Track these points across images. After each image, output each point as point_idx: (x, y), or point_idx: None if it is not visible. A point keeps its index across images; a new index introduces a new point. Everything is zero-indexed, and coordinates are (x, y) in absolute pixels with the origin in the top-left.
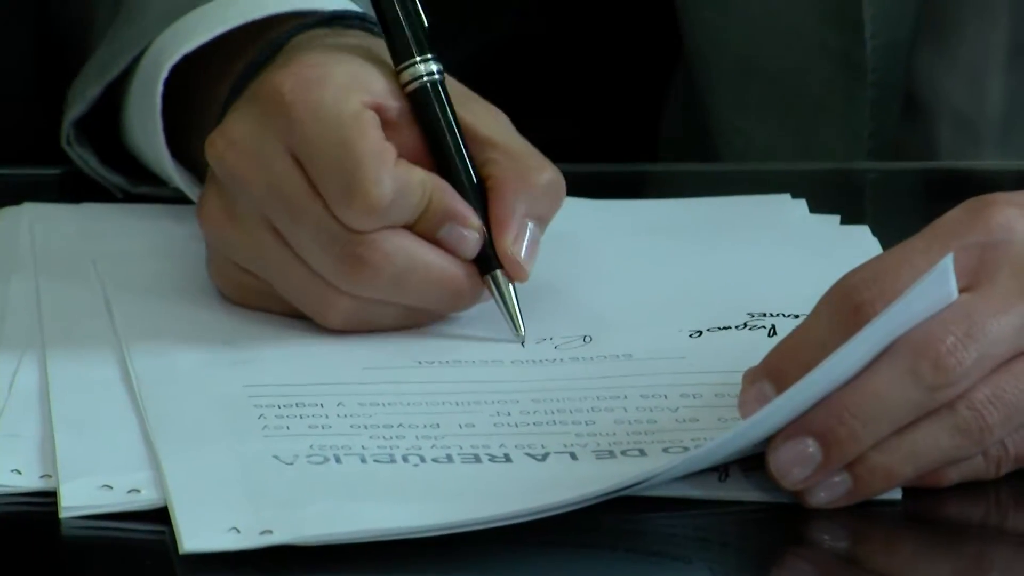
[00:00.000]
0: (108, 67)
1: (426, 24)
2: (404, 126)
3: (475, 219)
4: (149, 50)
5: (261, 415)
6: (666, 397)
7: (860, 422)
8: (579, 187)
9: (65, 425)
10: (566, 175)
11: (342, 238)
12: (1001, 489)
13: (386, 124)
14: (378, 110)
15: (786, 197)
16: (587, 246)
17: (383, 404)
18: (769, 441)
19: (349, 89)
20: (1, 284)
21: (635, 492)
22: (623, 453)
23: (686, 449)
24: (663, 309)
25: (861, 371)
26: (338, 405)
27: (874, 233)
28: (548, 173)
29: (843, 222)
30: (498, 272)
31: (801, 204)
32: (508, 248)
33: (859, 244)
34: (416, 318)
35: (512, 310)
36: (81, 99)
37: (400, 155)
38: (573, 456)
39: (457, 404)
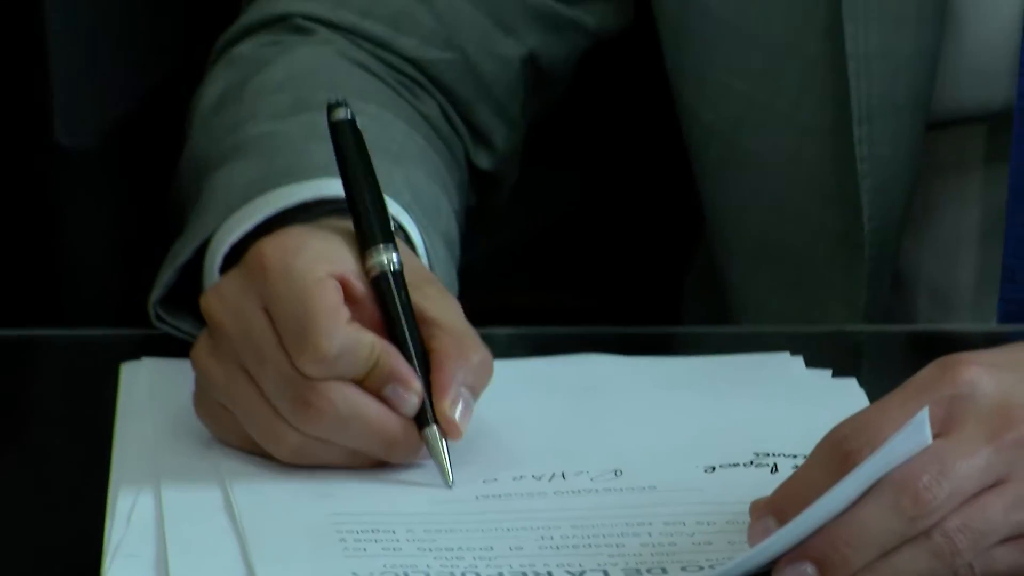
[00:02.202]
0: (179, 254)
1: (391, 216)
2: (367, 302)
3: (416, 383)
4: (215, 237)
5: (343, 539)
6: (685, 524)
7: (852, 549)
8: (612, 346)
9: (177, 547)
10: (602, 336)
11: (296, 382)
12: None
13: (353, 299)
14: (344, 283)
15: (786, 355)
16: (618, 395)
17: (445, 530)
18: (774, 564)
19: (319, 260)
20: (123, 429)
21: None
22: (648, 571)
23: (701, 568)
24: (682, 448)
25: (851, 505)
26: (408, 531)
27: (861, 385)
28: (481, 352)
29: (834, 376)
30: (433, 427)
31: (799, 361)
32: (446, 410)
33: (848, 395)
34: (357, 459)
35: (442, 462)
36: (160, 283)
37: (361, 324)
38: (606, 573)
39: (508, 530)
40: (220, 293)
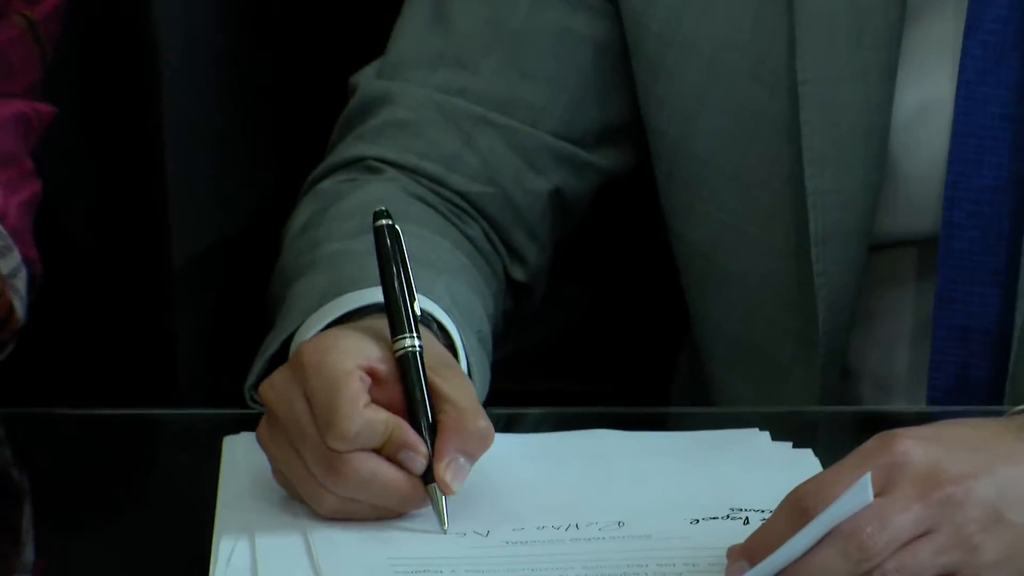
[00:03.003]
0: (268, 348)
1: (417, 311)
2: (392, 382)
3: (423, 448)
4: (296, 333)
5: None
6: (674, 565)
7: None
8: (617, 423)
9: None
10: (609, 415)
11: (328, 455)
12: None
13: (379, 380)
14: (371, 370)
15: (755, 430)
16: (621, 462)
17: (483, 571)
18: None
19: (347, 355)
20: (225, 490)
21: None
22: None
23: None
24: (672, 504)
25: (808, 551)
26: (452, 571)
27: (816, 454)
28: (481, 423)
29: (794, 447)
30: (434, 485)
31: (765, 435)
32: (441, 472)
33: (805, 462)
34: (380, 512)
35: (440, 511)
36: (253, 372)
37: (387, 402)
38: None
39: (532, 570)
40: (272, 384)
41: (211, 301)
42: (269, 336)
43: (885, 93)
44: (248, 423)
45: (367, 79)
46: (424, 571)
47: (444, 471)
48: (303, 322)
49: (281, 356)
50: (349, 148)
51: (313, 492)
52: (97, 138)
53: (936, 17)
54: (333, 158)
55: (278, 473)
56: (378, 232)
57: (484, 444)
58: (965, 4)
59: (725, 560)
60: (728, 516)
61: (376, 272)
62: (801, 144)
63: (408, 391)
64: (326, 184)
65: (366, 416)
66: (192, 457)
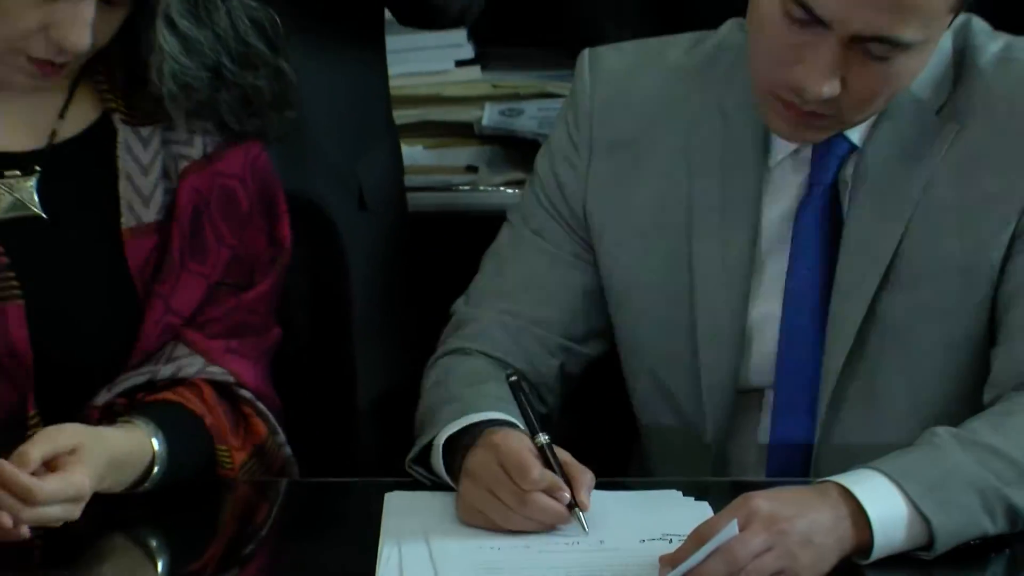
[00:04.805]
0: (420, 444)
1: (535, 415)
2: (539, 457)
3: (567, 490)
4: (437, 437)
5: (487, 568)
6: (630, 566)
7: None
8: (596, 487)
9: (409, 571)
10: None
11: (519, 493)
12: None
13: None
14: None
15: (675, 491)
16: (601, 507)
17: (530, 566)
18: None
19: (520, 440)
20: (384, 524)
21: None
22: None
23: None
24: (630, 531)
25: (703, 561)
26: (510, 565)
27: (710, 505)
28: (589, 475)
29: (696, 500)
30: (577, 508)
31: (679, 493)
32: (582, 498)
33: (702, 510)
34: (539, 527)
35: (582, 522)
36: (410, 456)
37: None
38: None
39: (552, 567)
40: (475, 455)
41: (378, 419)
42: (419, 438)
43: (743, 307)
44: (402, 485)
45: (460, 306)
46: (490, 567)
47: (583, 497)
48: (444, 427)
49: (425, 451)
50: (452, 343)
51: (504, 516)
52: (317, 329)
53: (771, 267)
54: (443, 348)
55: (467, 512)
56: (511, 385)
57: (592, 484)
58: (787, 258)
59: (658, 564)
60: (661, 538)
61: (478, 401)
62: (696, 337)
63: (548, 461)
64: (442, 361)
65: (541, 472)
66: (366, 505)
